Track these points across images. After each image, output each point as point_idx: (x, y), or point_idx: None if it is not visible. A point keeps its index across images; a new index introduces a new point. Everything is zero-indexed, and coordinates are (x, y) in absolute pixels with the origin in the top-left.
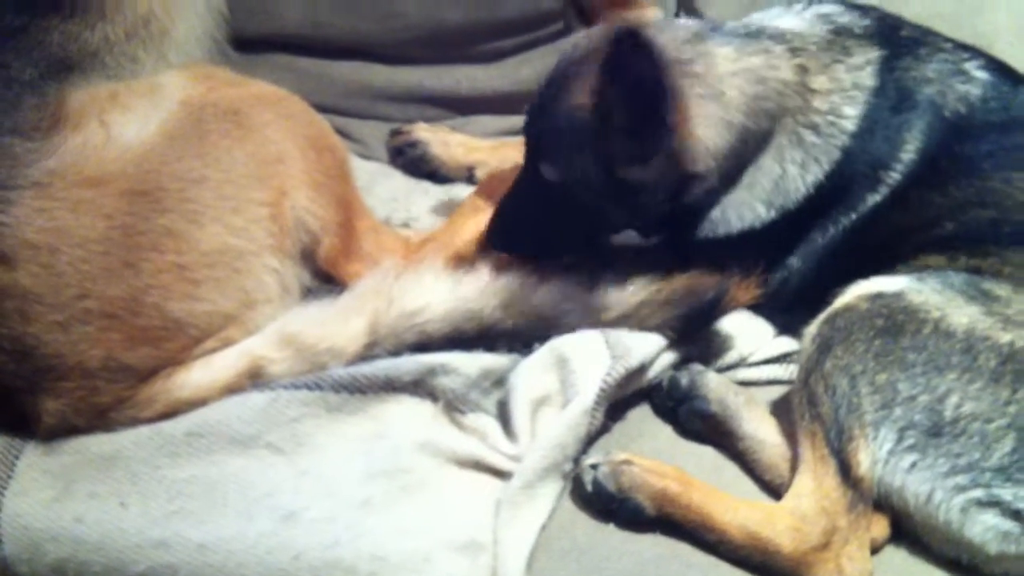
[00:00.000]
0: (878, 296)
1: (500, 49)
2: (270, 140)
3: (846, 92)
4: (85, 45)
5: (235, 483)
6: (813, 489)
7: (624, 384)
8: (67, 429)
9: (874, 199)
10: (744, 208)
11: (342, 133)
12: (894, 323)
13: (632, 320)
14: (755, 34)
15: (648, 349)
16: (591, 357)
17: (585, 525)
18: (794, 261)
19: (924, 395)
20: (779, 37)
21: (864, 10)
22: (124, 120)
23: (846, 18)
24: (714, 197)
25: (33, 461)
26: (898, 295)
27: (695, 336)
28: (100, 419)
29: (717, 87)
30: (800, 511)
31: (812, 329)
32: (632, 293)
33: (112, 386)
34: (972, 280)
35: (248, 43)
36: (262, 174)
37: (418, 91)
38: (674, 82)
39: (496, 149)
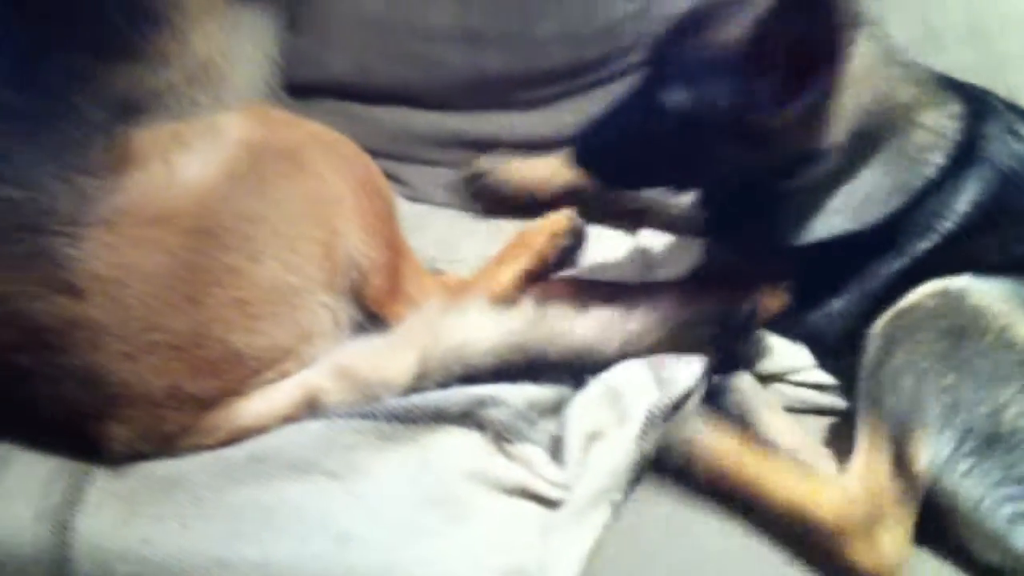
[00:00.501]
0: (943, 293)
1: (542, 97)
2: (325, 181)
3: (937, 137)
4: (150, 89)
5: (292, 507)
6: (863, 474)
7: (670, 414)
8: (134, 455)
9: (924, 246)
10: (834, 216)
11: (389, 176)
12: (957, 325)
13: (670, 342)
14: (894, 47)
15: (691, 377)
16: (640, 389)
17: (632, 555)
18: (836, 303)
19: (984, 404)
20: (905, 58)
21: None
22: (186, 159)
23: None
24: (818, 192)
25: (102, 485)
26: (961, 293)
27: (734, 349)
28: (166, 445)
29: (858, 77)
30: (848, 491)
31: (877, 328)
32: (669, 317)
33: (177, 414)
34: None
35: (300, 89)
36: (317, 213)
37: (461, 137)
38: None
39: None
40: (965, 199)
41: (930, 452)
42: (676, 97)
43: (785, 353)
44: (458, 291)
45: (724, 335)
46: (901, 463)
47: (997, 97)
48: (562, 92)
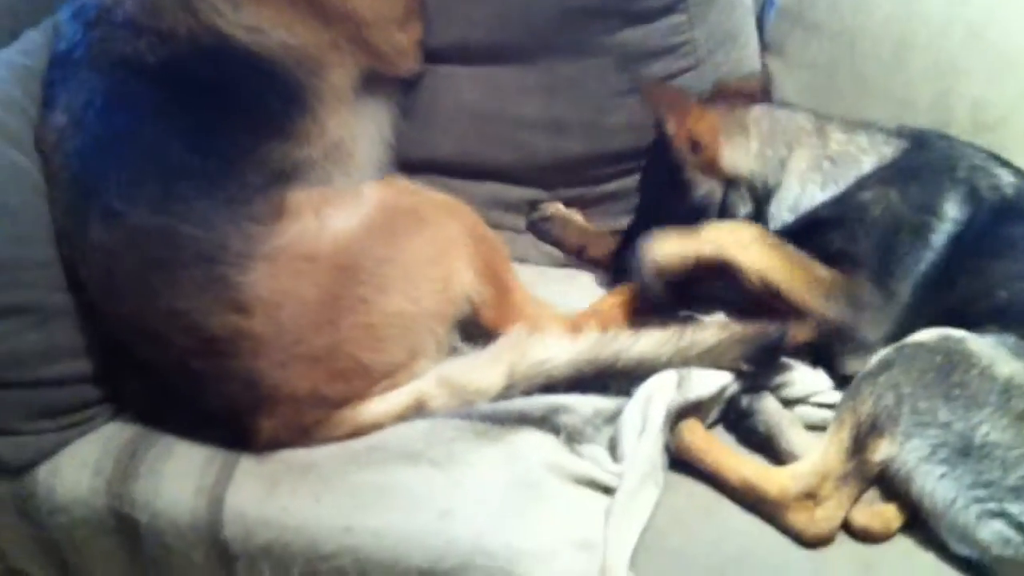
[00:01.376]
0: (945, 337)
1: (612, 172)
2: (443, 231)
3: (859, 150)
4: (295, 161)
5: (404, 488)
6: (818, 457)
7: (683, 412)
8: (276, 444)
9: (940, 239)
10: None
11: None
12: (950, 361)
13: (711, 355)
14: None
15: (709, 386)
16: (665, 393)
17: (679, 531)
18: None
19: (960, 423)
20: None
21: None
22: (335, 214)
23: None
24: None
25: (249, 468)
26: (960, 339)
27: (766, 369)
28: (303, 436)
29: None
30: (795, 469)
31: (881, 352)
32: (711, 335)
33: (314, 411)
34: (1021, 344)
35: (409, 166)
36: (436, 257)
37: None
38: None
39: (600, 236)
40: (952, 209)
41: (891, 450)
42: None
43: (807, 379)
44: (567, 321)
45: (757, 353)
46: (858, 451)
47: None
48: (625, 170)
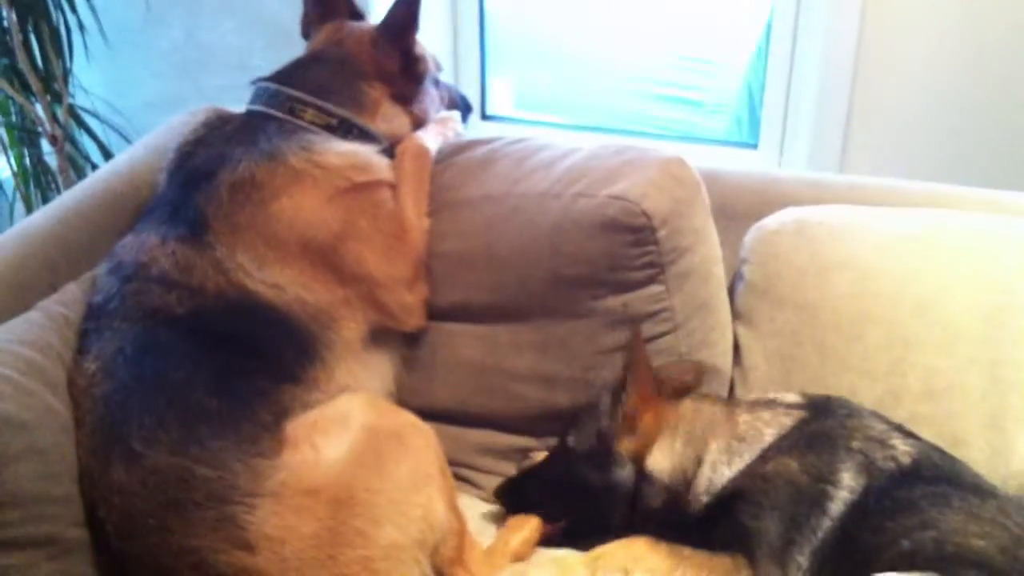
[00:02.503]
0: None
1: None
2: (420, 459)
3: (763, 423)
4: (304, 403)
5: None
6: None
7: None
8: None
9: (827, 521)
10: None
11: (472, 483)
12: None
13: None
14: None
15: None
16: None
17: None
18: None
19: None
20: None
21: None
22: (326, 444)
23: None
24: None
25: None
26: None
27: None
28: None
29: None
30: None
31: None
32: None
33: None
34: None
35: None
36: (418, 484)
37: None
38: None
39: None
40: (848, 478)
41: None
42: (572, 442)
43: None
44: (489, 553)
45: None
46: None
47: (878, 416)
48: None
